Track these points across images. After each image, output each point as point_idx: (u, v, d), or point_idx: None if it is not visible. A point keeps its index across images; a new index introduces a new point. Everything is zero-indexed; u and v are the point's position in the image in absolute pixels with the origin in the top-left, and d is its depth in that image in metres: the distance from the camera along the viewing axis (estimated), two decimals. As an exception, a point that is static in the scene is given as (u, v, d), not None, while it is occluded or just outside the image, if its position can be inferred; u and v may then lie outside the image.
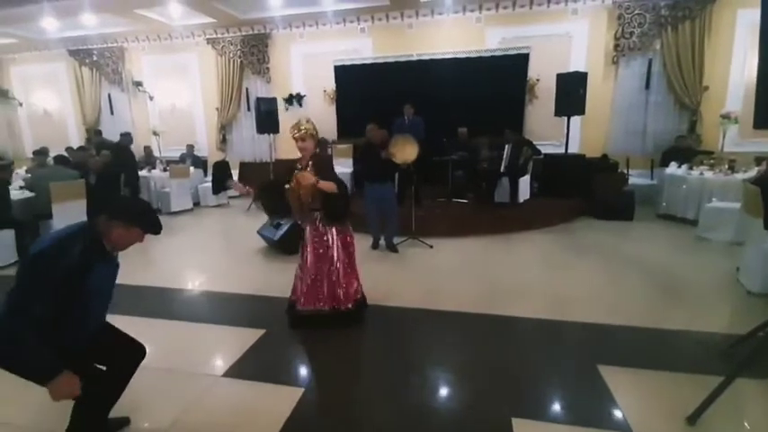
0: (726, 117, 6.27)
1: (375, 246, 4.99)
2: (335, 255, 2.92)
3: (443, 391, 2.38)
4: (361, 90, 7.85)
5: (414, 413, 2.17)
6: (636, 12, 6.85)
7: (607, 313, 3.19)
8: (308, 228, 2.95)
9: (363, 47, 8.10)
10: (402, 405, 2.23)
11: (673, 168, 6.12)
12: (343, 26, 8.12)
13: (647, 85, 7.05)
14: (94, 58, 9.49)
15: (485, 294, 3.64)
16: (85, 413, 1.75)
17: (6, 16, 7.45)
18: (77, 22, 7.80)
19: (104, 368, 1.85)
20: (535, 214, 5.98)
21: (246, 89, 8.90)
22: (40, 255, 1.57)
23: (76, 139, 10.02)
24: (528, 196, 6.58)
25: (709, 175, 5.58)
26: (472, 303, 3.42)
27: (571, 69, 6.77)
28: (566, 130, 6.64)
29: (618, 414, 2.10)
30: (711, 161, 5.92)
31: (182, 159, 8.33)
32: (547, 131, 7.31)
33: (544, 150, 6.99)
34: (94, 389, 1.74)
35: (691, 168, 5.90)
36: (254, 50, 8.60)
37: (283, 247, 4.80)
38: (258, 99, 7.94)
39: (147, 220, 1.76)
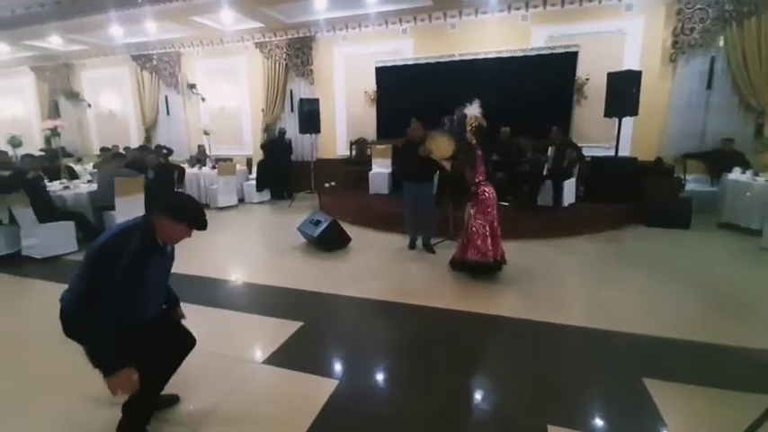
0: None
1: (412, 246, 4.99)
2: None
3: (478, 393, 2.35)
4: (402, 91, 7.88)
5: (447, 413, 2.16)
6: (697, 6, 6.39)
7: (656, 325, 3.01)
8: None
9: (404, 48, 8.13)
10: (435, 405, 2.22)
11: (736, 174, 5.66)
12: (385, 27, 8.20)
13: (709, 85, 6.55)
14: (154, 63, 10.17)
15: (524, 299, 3.54)
16: (140, 390, 1.89)
17: (80, 24, 8.18)
18: (140, 30, 8.43)
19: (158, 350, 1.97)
20: (581, 219, 5.73)
21: (290, 90, 9.20)
22: (100, 247, 1.70)
23: (136, 137, 10.80)
24: (573, 200, 6.33)
25: (778, 181, 5.11)
26: (510, 308, 3.35)
27: (624, 68, 6.44)
28: (616, 132, 6.32)
29: (663, 430, 1.98)
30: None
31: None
32: (595, 133, 6.99)
33: (592, 153, 6.69)
34: (150, 367, 1.88)
35: (756, 174, 5.43)
36: (298, 53, 8.87)
37: (322, 244, 4.92)
38: (301, 100, 8.18)
39: (191, 216, 1.80)
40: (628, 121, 6.49)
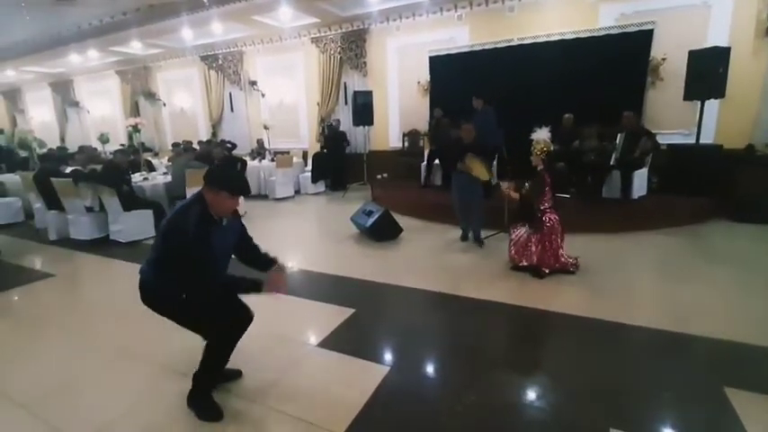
0: None
1: (464, 238, 4.89)
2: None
3: (533, 391, 2.25)
4: (456, 80, 7.66)
5: (502, 409, 2.10)
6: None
7: (742, 330, 2.69)
8: None
9: (459, 35, 7.90)
10: (486, 400, 2.17)
11: None
12: (440, 15, 8.02)
13: (817, 60, 5.66)
14: (219, 62, 10.83)
15: (586, 296, 3.34)
16: (209, 360, 2.05)
17: (157, 29, 8.93)
18: (207, 32, 9.02)
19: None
20: (654, 213, 5.26)
21: (345, 84, 9.35)
22: (167, 224, 1.91)
23: (204, 132, 11.61)
24: (644, 193, 5.82)
25: None
26: (571, 305, 3.16)
27: (708, 45, 5.75)
28: (698, 117, 5.68)
29: (751, 447, 1.78)
30: None
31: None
32: (672, 118, 6.34)
33: (670, 140, 6.07)
34: (216, 333, 2.04)
35: None
36: (352, 46, 8.97)
37: (374, 234, 4.98)
38: (355, 92, 8.29)
39: (227, 183, 1.89)
40: (712, 105, 5.81)
